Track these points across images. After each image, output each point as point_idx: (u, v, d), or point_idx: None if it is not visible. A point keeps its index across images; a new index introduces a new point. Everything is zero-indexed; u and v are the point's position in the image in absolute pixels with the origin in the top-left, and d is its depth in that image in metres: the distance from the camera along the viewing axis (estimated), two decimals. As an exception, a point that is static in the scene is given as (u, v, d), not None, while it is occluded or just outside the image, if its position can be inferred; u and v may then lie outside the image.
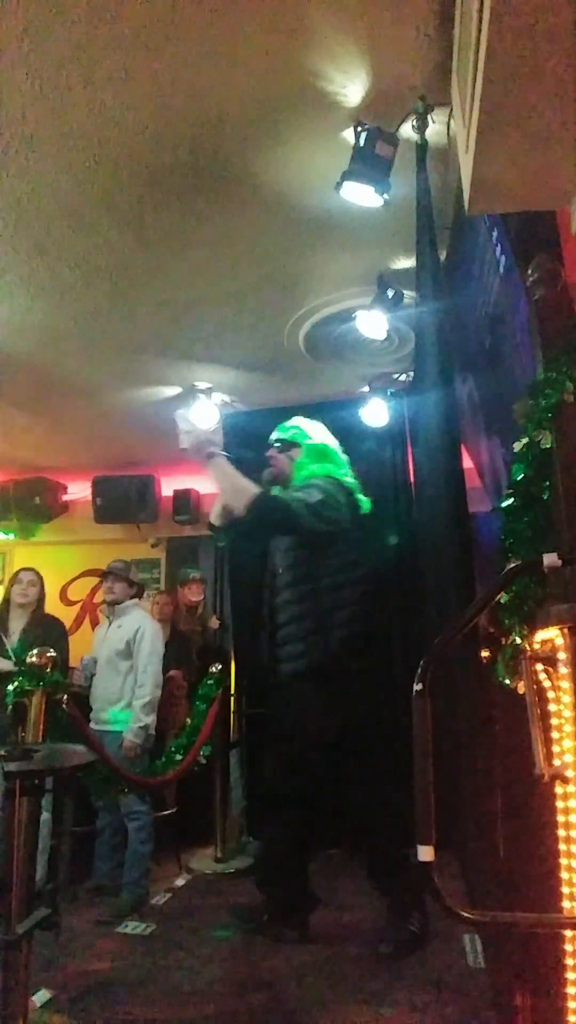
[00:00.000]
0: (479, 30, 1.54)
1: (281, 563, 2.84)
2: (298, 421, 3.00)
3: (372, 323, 3.47)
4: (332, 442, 2.97)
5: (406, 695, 1.25)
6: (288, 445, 2.93)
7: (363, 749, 2.72)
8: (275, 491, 2.83)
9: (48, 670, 2.41)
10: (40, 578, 4.03)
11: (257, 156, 2.68)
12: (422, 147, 2.48)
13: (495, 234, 2.28)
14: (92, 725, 3.47)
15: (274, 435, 2.98)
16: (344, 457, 2.96)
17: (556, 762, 1.18)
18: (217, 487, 2.72)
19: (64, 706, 2.45)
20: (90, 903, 3.38)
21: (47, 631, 3.88)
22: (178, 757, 3.56)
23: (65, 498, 6.53)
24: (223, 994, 2.41)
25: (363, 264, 3.37)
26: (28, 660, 2.43)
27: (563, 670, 1.19)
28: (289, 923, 2.81)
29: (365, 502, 2.87)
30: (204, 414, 4.59)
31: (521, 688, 1.30)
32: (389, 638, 4.30)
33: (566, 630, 1.19)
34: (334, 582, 2.71)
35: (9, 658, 3.64)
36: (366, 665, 2.72)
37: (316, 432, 2.96)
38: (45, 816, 2.69)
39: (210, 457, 2.62)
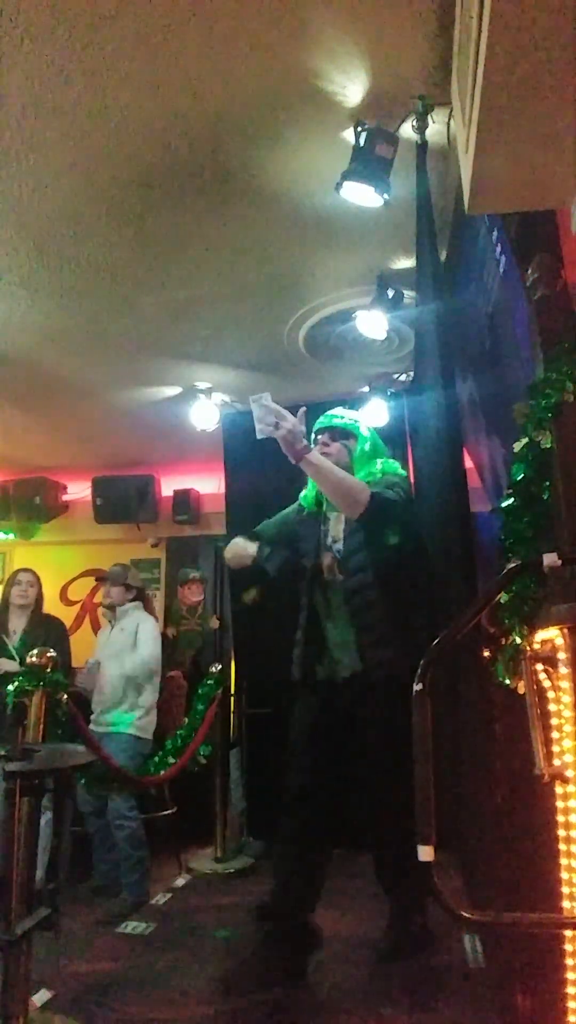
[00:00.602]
0: (479, 30, 1.54)
1: (351, 565, 2.59)
2: (346, 412, 2.83)
3: (372, 323, 3.47)
4: (377, 436, 2.81)
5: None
6: (344, 434, 2.71)
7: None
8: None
9: (48, 670, 2.41)
10: (38, 579, 4.04)
11: (257, 156, 2.68)
12: (422, 147, 2.48)
13: (495, 234, 2.28)
14: (93, 728, 3.48)
15: (324, 422, 2.75)
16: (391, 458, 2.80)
17: (556, 762, 1.19)
18: (320, 482, 2.50)
19: (64, 706, 2.45)
20: (90, 903, 3.38)
21: (48, 631, 3.89)
22: (171, 760, 3.56)
23: (65, 498, 6.53)
24: (223, 994, 2.41)
25: (363, 264, 3.37)
26: (29, 660, 2.44)
27: (563, 670, 1.19)
28: (291, 962, 2.51)
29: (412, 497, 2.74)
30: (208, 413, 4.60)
31: (521, 688, 1.30)
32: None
33: (566, 630, 1.19)
34: (414, 582, 2.61)
35: (13, 658, 3.66)
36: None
37: (366, 425, 2.80)
38: (47, 816, 2.68)
39: (304, 452, 2.41)
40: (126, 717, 3.60)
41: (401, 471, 2.71)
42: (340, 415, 2.76)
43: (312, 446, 2.51)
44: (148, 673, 3.69)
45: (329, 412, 2.79)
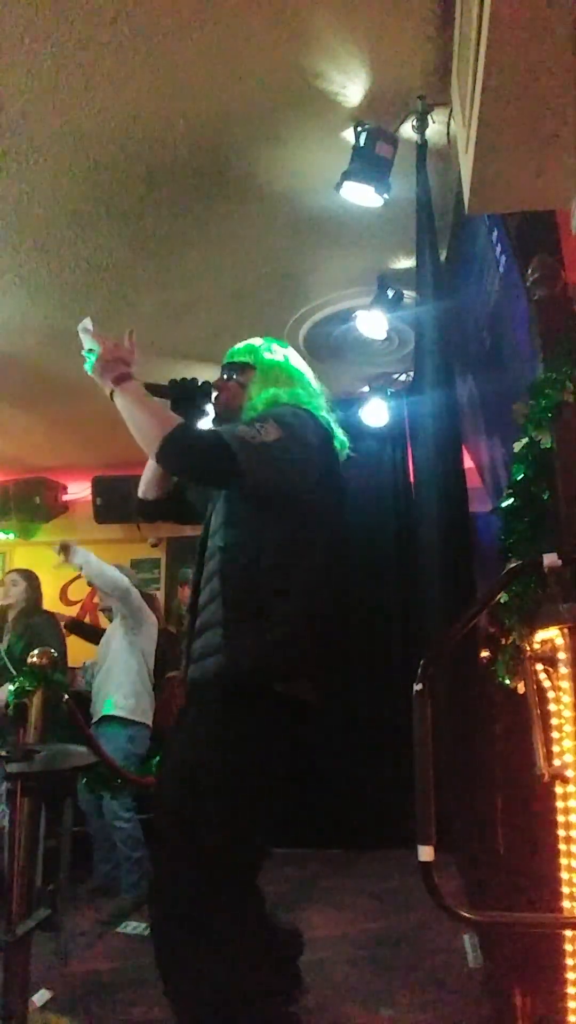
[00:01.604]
0: (479, 30, 1.54)
1: (212, 524, 1.88)
2: (254, 340, 2.18)
3: (372, 323, 3.47)
4: (302, 365, 2.15)
5: (406, 695, 1.25)
6: (239, 368, 2.08)
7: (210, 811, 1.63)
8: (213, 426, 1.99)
9: (49, 670, 2.41)
10: (26, 578, 4.06)
11: (257, 156, 2.68)
12: (422, 147, 2.48)
13: (495, 234, 2.28)
14: (93, 728, 3.48)
15: (225, 358, 2.17)
16: (318, 386, 2.11)
17: (556, 762, 1.19)
18: (127, 421, 1.87)
19: (64, 706, 2.45)
20: (90, 903, 3.38)
21: (36, 629, 3.90)
22: None
23: (65, 498, 6.54)
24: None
25: (363, 264, 3.38)
26: (29, 660, 2.43)
27: (563, 670, 1.19)
28: (282, 979, 1.92)
29: (344, 444, 1.99)
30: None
31: (521, 688, 1.30)
32: (389, 647, 4.29)
33: (566, 630, 1.19)
34: (277, 561, 1.74)
35: (1, 660, 3.65)
36: (298, 692, 1.70)
37: (277, 349, 2.13)
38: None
39: (120, 381, 1.84)
40: (107, 701, 3.60)
41: (312, 404, 1.95)
42: (235, 350, 2.16)
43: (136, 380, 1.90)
44: (115, 585, 3.58)
45: (233, 347, 2.20)
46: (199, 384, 2.02)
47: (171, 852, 1.65)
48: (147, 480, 2.09)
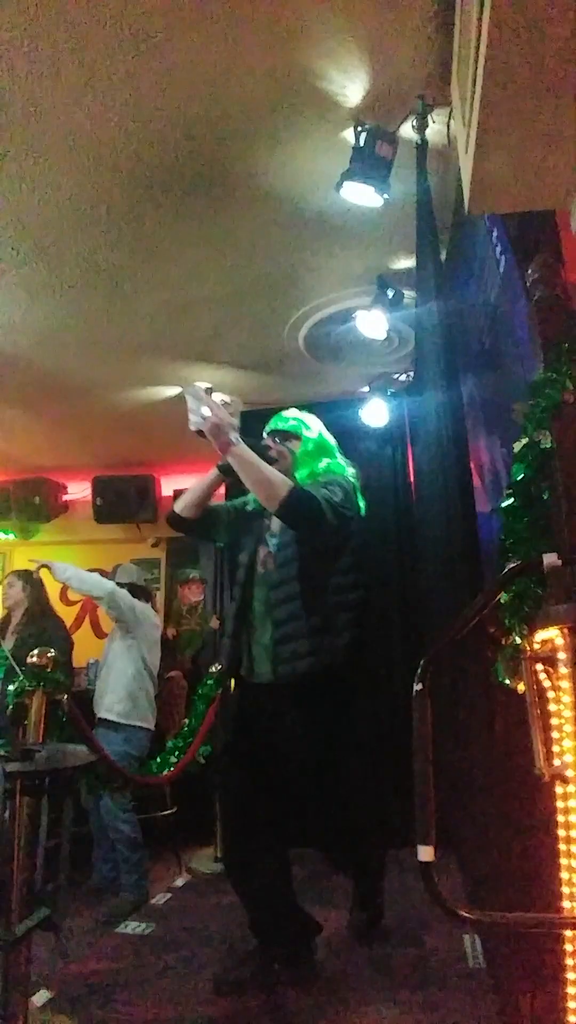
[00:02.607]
0: (479, 30, 1.54)
1: (277, 556, 2.56)
2: (296, 412, 2.78)
3: (372, 323, 3.47)
4: (330, 438, 2.78)
5: (406, 695, 1.25)
6: (286, 436, 2.69)
7: (344, 759, 2.62)
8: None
9: (48, 670, 2.41)
10: (22, 578, 4.10)
11: (257, 156, 2.68)
12: (422, 147, 2.48)
13: (495, 234, 2.28)
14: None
15: (270, 425, 2.74)
16: (343, 460, 2.78)
17: (556, 762, 1.18)
18: (243, 475, 2.39)
19: (64, 706, 2.45)
20: (90, 903, 3.38)
21: (41, 630, 3.92)
22: (173, 759, 3.55)
23: (65, 498, 6.54)
24: (223, 994, 2.41)
25: (363, 264, 3.38)
26: (28, 660, 2.43)
27: (563, 670, 1.19)
28: (300, 960, 2.54)
29: (363, 504, 2.70)
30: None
31: (521, 688, 1.30)
32: (389, 647, 4.29)
33: (566, 630, 1.19)
34: (340, 584, 2.52)
35: (6, 658, 3.67)
36: (361, 675, 2.61)
37: (315, 425, 2.76)
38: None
39: (231, 444, 2.33)
40: (102, 703, 3.61)
41: (347, 471, 2.67)
42: (285, 417, 2.74)
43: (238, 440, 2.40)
44: (99, 590, 3.62)
45: (278, 414, 2.77)
46: (261, 445, 2.60)
47: (304, 791, 2.61)
48: (188, 502, 2.67)
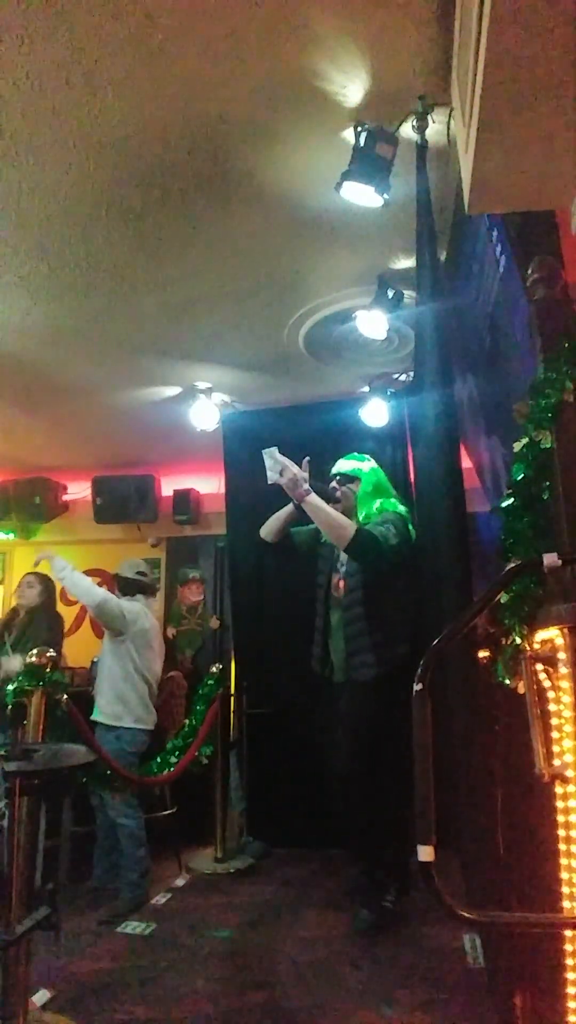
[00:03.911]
0: (479, 30, 1.54)
1: (348, 582, 3.22)
2: (355, 462, 3.40)
3: (372, 323, 3.47)
4: (383, 475, 3.41)
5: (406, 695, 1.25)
6: (348, 479, 3.33)
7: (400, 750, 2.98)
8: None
9: (48, 670, 2.42)
10: (42, 582, 4.17)
11: (257, 156, 2.68)
12: (422, 147, 2.48)
13: (495, 234, 2.28)
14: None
15: (335, 469, 3.38)
16: (394, 490, 3.41)
17: (556, 762, 1.19)
18: (316, 520, 3.11)
19: (64, 706, 2.45)
20: (90, 903, 3.38)
21: (37, 625, 3.96)
22: (173, 759, 3.55)
23: (65, 498, 6.53)
24: (223, 994, 2.41)
25: (363, 264, 3.37)
26: (28, 660, 2.44)
27: (563, 670, 1.19)
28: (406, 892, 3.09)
29: (413, 532, 3.18)
30: (208, 414, 4.60)
31: (521, 688, 1.30)
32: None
33: (566, 630, 1.19)
34: (398, 602, 3.13)
35: (8, 655, 3.72)
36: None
37: (370, 466, 3.40)
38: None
39: (306, 495, 3.03)
40: (95, 705, 3.61)
41: (399, 508, 3.24)
42: (346, 467, 3.39)
43: (310, 488, 3.08)
44: (88, 598, 3.64)
45: (342, 459, 3.43)
46: (329, 488, 3.31)
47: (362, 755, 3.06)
48: (272, 530, 3.33)
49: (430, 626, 2.73)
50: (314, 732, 4.06)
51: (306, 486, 3.04)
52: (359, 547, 3.01)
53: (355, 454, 3.46)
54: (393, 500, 3.30)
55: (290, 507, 3.24)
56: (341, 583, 3.24)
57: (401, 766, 2.79)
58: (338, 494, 3.29)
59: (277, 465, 3.06)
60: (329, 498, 3.24)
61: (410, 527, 3.20)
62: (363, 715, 3.07)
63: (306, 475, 3.07)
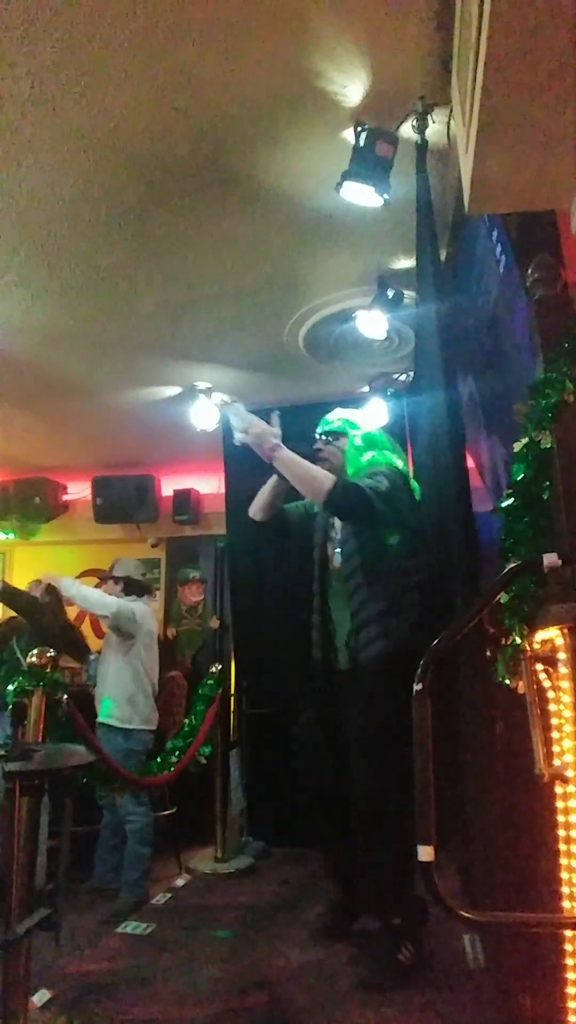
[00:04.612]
0: (479, 30, 1.54)
1: (344, 551, 2.74)
2: (342, 412, 2.96)
3: (372, 323, 3.47)
4: (377, 431, 2.93)
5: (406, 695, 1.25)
6: (335, 435, 2.86)
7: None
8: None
9: (48, 670, 2.42)
10: (50, 592, 4.23)
11: (257, 156, 2.68)
12: (422, 147, 2.48)
13: (495, 234, 2.28)
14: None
15: (318, 428, 2.93)
16: (394, 445, 2.91)
17: (556, 762, 1.19)
18: (290, 478, 2.62)
19: (64, 706, 2.45)
20: (90, 903, 3.38)
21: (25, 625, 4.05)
22: (173, 759, 3.56)
23: (65, 498, 6.53)
24: (223, 994, 2.41)
25: (363, 264, 3.38)
26: (28, 660, 2.44)
27: (563, 670, 1.19)
28: (418, 939, 2.51)
29: (417, 488, 2.80)
30: (208, 413, 4.60)
31: (521, 688, 1.30)
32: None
33: (566, 630, 1.19)
34: (402, 566, 2.64)
35: (19, 660, 3.78)
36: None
37: (363, 421, 2.95)
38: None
39: (275, 449, 2.56)
40: (103, 708, 3.62)
41: (394, 461, 2.76)
42: (330, 420, 2.91)
43: (281, 445, 2.60)
44: (103, 608, 3.67)
45: (325, 416, 2.95)
46: (313, 448, 2.82)
47: (377, 770, 2.49)
48: (260, 506, 2.83)
49: (437, 624, 2.73)
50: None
51: (275, 441, 2.56)
52: (340, 500, 2.53)
53: (343, 409, 3.00)
54: (389, 454, 2.79)
55: (274, 477, 2.77)
56: (336, 552, 2.78)
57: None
58: (324, 453, 2.81)
59: (241, 422, 2.59)
60: (313, 460, 2.76)
61: (412, 483, 2.78)
62: (376, 715, 2.52)
63: (277, 431, 2.60)
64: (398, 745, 2.33)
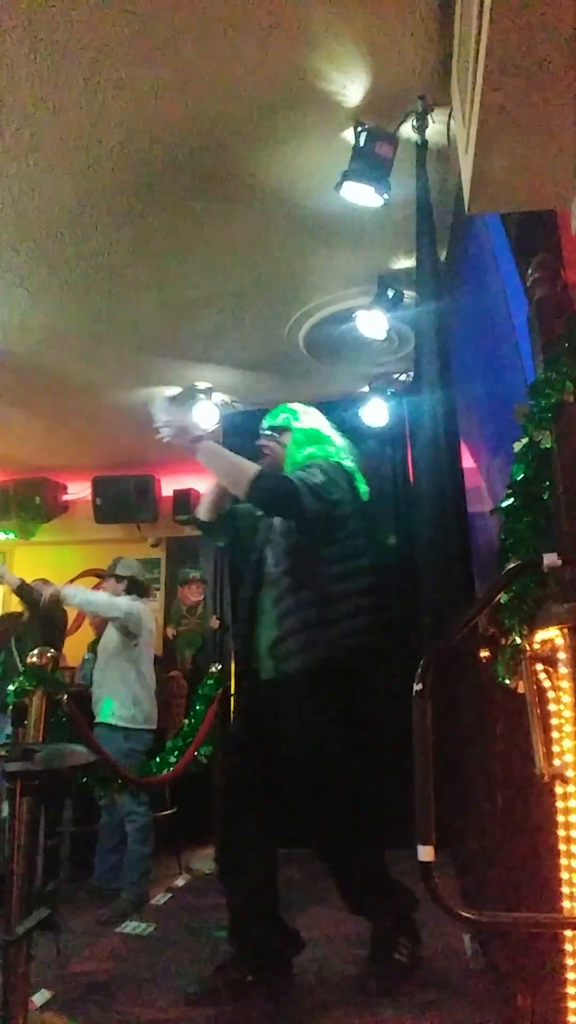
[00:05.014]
0: (479, 30, 1.54)
1: (275, 552, 2.52)
2: (291, 406, 2.73)
3: (372, 323, 3.47)
4: (326, 427, 2.69)
5: (406, 695, 1.25)
6: (279, 431, 2.64)
7: (347, 758, 2.41)
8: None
9: (49, 670, 2.42)
10: (45, 583, 4.21)
11: (257, 156, 2.69)
12: (422, 147, 2.48)
13: (495, 234, 2.28)
14: (95, 719, 3.51)
15: (264, 422, 2.71)
16: (343, 442, 2.67)
17: (556, 762, 1.19)
18: (212, 471, 2.45)
19: (64, 706, 2.45)
20: (90, 903, 3.38)
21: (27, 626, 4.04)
22: (173, 759, 3.56)
23: (65, 498, 6.54)
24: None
25: (363, 264, 3.38)
26: (28, 660, 2.44)
27: (563, 670, 1.19)
28: (275, 973, 2.38)
29: (364, 489, 2.60)
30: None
31: (521, 688, 1.30)
32: (387, 648, 4.29)
33: (566, 630, 1.19)
34: (336, 571, 2.40)
35: (14, 657, 3.78)
36: (370, 665, 2.49)
37: (308, 416, 2.69)
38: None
39: (197, 440, 2.39)
40: (106, 708, 3.62)
41: (333, 455, 2.54)
42: (276, 412, 2.70)
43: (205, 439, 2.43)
44: (115, 611, 3.66)
45: (271, 411, 2.74)
46: (256, 444, 2.63)
47: (315, 793, 2.37)
48: (206, 505, 2.65)
49: (432, 627, 2.72)
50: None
51: (196, 433, 2.42)
52: (262, 492, 2.32)
53: (286, 405, 2.74)
54: (330, 449, 2.57)
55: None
56: (267, 554, 2.56)
57: (350, 771, 2.36)
58: (265, 449, 2.61)
59: (165, 417, 2.39)
60: (255, 457, 2.59)
61: (359, 481, 2.57)
62: (302, 729, 2.34)
63: (203, 425, 2.60)
64: (330, 756, 2.32)
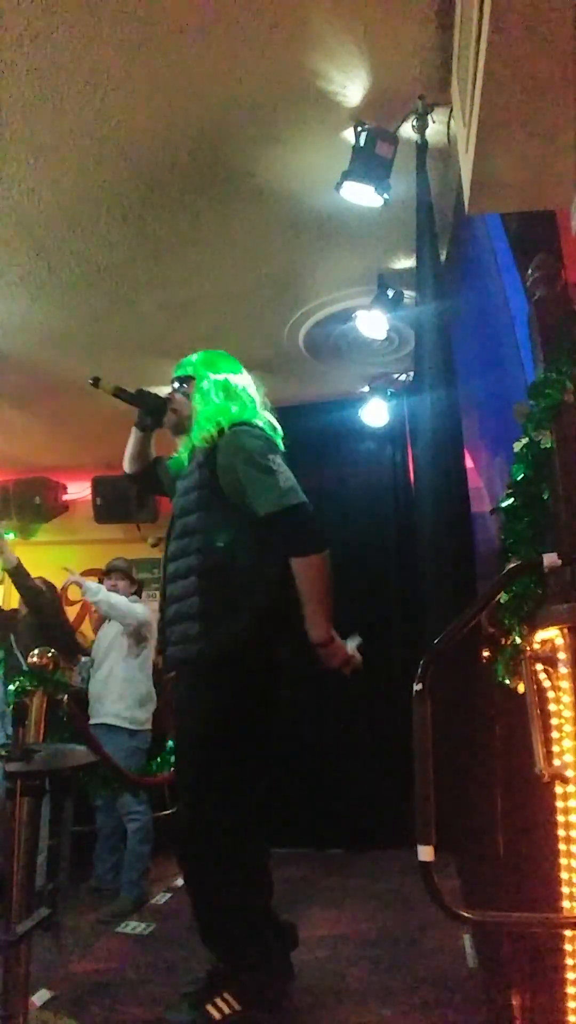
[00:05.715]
0: (479, 30, 1.54)
1: (182, 524, 2.23)
2: (198, 353, 2.44)
3: (372, 323, 3.47)
4: (240, 378, 2.35)
5: (406, 695, 1.25)
6: (185, 380, 2.37)
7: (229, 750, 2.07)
8: (182, 451, 2.34)
9: (49, 670, 2.42)
10: (45, 583, 4.23)
11: (257, 156, 2.69)
12: (422, 147, 2.48)
13: (495, 234, 2.29)
14: (92, 719, 3.51)
15: (173, 372, 2.45)
16: (256, 396, 2.35)
17: (556, 762, 1.18)
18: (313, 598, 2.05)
19: (65, 706, 2.45)
20: (90, 903, 3.38)
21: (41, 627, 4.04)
22: (171, 759, 3.56)
23: (65, 498, 6.54)
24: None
25: (363, 264, 3.38)
26: (29, 660, 2.44)
27: (563, 670, 1.19)
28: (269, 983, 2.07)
29: (280, 440, 2.28)
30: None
31: (521, 688, 1.30)
32: (387, 648, 4.28)
33: (566, 630, 1.19)
34: (250, 561, 2.09)
35: (14, 655, 3.79)
36: (274, 658, 2.14)
37: (218, 365, 2.36)
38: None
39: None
40: (110, 710, 3.62)
41: (247, 413, 2.23)
42: (179, 366, 2.46)
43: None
44: (131, 617, 3.69)
45: (182, 360, 2.50)
46: (163, 400, 2.43)
47: (194, 794, 2.09)
48: (129, 456, 2.63)
49: (433, 626, 2.71)
50: (314, 731, 4.06)
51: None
52: (286, 534, 2.02)
53: (195, 353, 2.45)
54: (239, 404, 2.26)
55: (135, 427, 2.51)
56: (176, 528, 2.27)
57: (234, 767, 2.02)
58: (173, 404, 2.36)
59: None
60: (157, 409, 2.39)
61: (276, 438, 2.25)
62: (191, 707, 2.11)
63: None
64: (212, 754, 2.04)
